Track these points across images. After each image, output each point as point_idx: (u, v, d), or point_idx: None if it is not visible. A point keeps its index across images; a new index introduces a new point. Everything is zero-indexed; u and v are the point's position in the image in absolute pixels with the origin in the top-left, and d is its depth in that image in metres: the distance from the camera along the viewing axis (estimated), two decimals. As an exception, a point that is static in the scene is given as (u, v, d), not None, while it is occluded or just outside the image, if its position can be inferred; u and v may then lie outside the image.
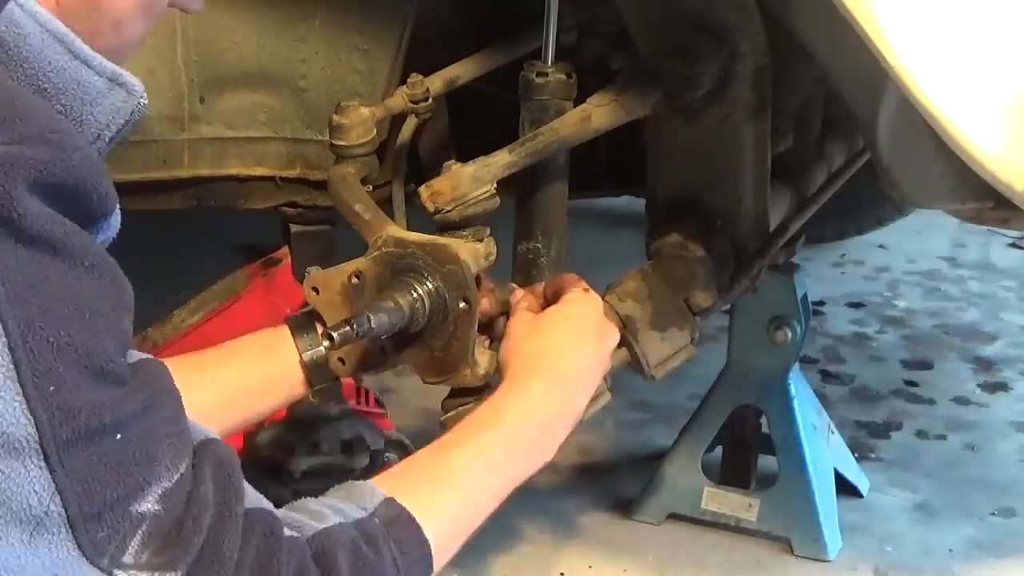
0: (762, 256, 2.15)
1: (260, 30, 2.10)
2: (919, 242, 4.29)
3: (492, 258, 1.66)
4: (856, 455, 2.82)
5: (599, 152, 2.48)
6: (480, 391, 1.66)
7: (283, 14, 2.08)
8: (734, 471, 2.62)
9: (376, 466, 2.49)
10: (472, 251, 1.61)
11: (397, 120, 2.01)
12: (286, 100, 2.16)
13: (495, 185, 1.69)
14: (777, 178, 2.16)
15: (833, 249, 4.14)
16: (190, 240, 3.71)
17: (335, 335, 1.46)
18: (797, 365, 2.57)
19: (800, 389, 2.56)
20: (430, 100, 1.98)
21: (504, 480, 1.39)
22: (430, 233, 1.64)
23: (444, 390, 1.71)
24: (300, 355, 1.61)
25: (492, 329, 1.68)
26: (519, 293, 1.69)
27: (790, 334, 2.50)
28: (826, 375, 3.31)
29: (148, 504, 1.02)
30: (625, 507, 2.65)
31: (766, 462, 2.60)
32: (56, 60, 1.04)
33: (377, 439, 2.47)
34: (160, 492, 1.02)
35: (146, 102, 1.11)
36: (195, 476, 1.06)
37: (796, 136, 2.26)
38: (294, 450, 2.38)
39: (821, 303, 3.74)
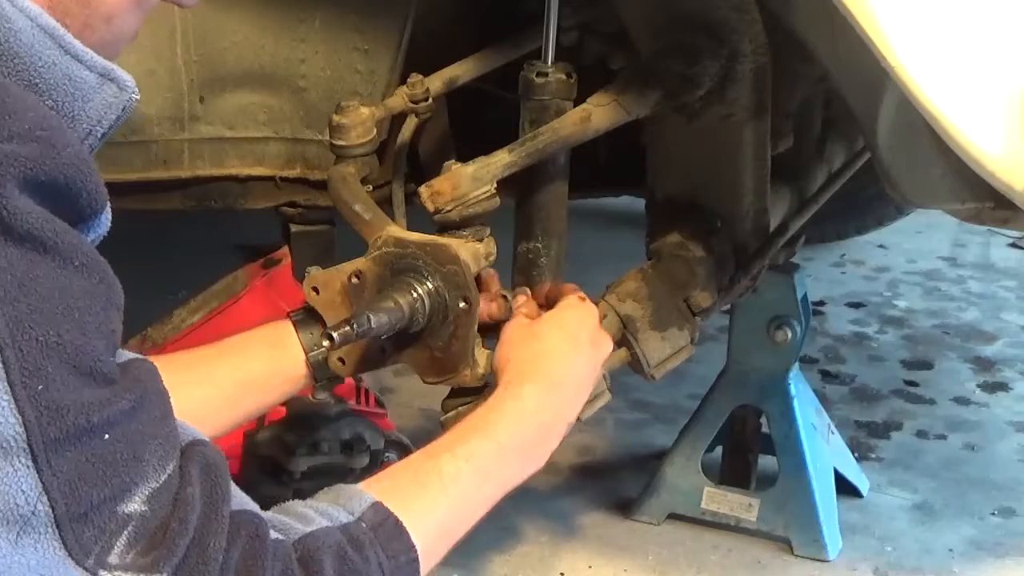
0: (762, 256, 2.15)
1: (260, 30, 2.10)
2: (919, 242, 4.29)
3: (492, 258, 1.66)
4: (856, 455, 2.82)
5: (599, 152, 2.48)
6: (480, 391, 1.67)
7: (283, 14, 2.08)
8: (734, 471, 2.62)
9: (376, 466, 2.49)
10: (472, 251, 1.61)
11: (397, 120, 2.01)
12: (286, 100, 2.16)
13: (495, 185, 1.69)
14: (777, 178, 2.16)
15: (833, 249, 4.14)
16: (190, 240, 3.70)
17: (335, 335, 1.46)
18: (797, 365, 2.57)
19: (800, 389, 2.56)
20: (430, 100, 1.98)
21: (494, 487, 1.39)
22: (430, 233, 1.64)
23: (444, 390, 1.71)
24: (304, 350, 1.61)
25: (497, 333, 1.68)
26: (521, 299, 1.70)
27: (790, 334, 2.50)
28: (826, 375, 3.31)
29: (134, 505, 1.02)
30: (625, 507, 2.65)
31: (766, 462, 2.60)
32: (47, 55, 1.04)
33: (377, 439, 2.47)
34: (147, 493, 1.02)
35: (138, 97, 1.11)
36: (182, 477, 1.06)
37: (796, 136, 2.26)
38: (294, 450, 2.38)
39: (821, 303, 3.74)
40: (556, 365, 1.53)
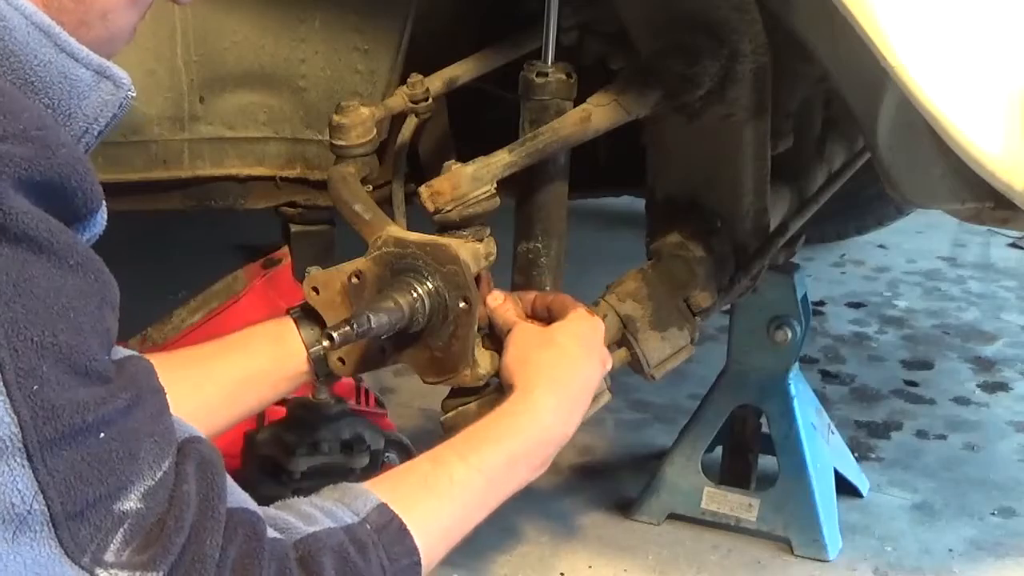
0: (762, 256, 2.15)
1: (260, 30, 2.10)
2: (919, 242, 4.29)
3: (492, 258, 1.66)
4: (856, 455, 2.82)
5: (599, 152, 2.48)
6: (480, 391, 1.67)
7: (283, 14, 2.08)
8: (734, 471, 2.62)
9: (376, 466, 2.49)
10: (472, 251, 1.61)
11: (397, 120, 2.01)
12: (286, 100, 2.16)
13: (495, 185, 1.68)
14: (777, 178, 2.16)
15: (833, 249, 4.14)
16: (190, 240, 3.71)
17: (335, 335, 1.46)
18: (797, 365, 2.57)
19: (800, 389, 2.56)
20: (430, 100, 1.98)
21: (500, 495, 1.40)
22: (430, 233, 1.64)
23: (444, 390, 1.71)
24: (306, 346, 1.61)
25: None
26: (499, 296, 1.68)
27: (790, 334, 2.50)
28: (826, 375, 3.31)
29: (130, 502, 1.02)
30: (625, 507, 2.65)
31: (766, 462, 2.60)
32: (42, 53, 1.04)
33: (377, 439, 2.47)
34: (142, 490, 1.02)
35: (134, 94, 1.10)
36: (178, 475, 1.06)
37: (796, 136, 2.26)
38: (294, 450, 2.38)
39: (821, 303, 3.75)
40: (573, 376, 1.53)
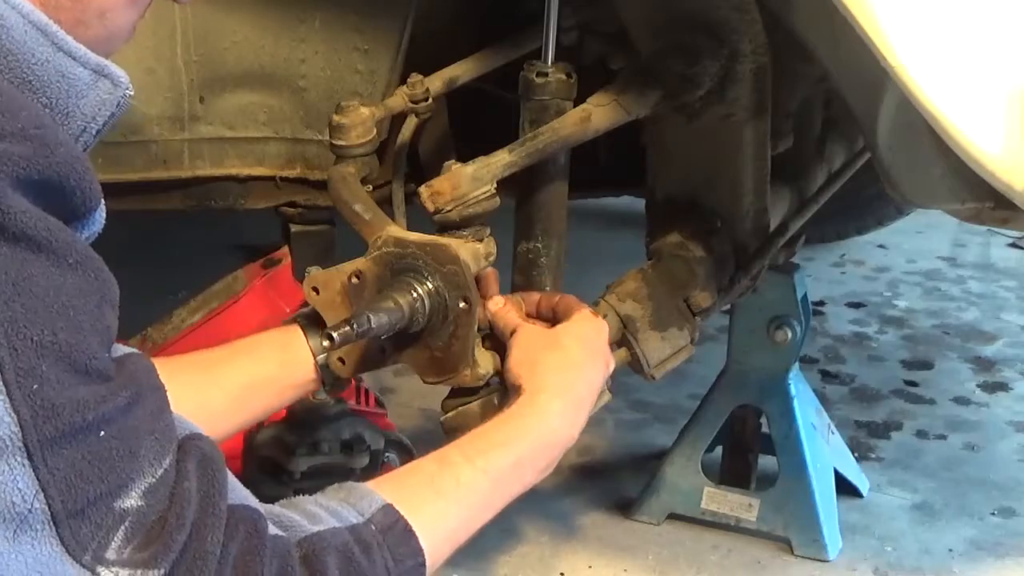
0: (762, 256, 2.15)
1: (260, 30, 2.10)
2: (919, 242, 4.29)
3: (492, 258, 1.66)
4: (856, 455, 2.82)
5: (599, 152, 2.48)
6: (480, 391, 1.66)
7: (283, 14, 2.08)
8: (734, 471, 2.62)
9: (376, 466, 2.49)
10: (472, 251, 1.61)
11: (397, 120, 2.01)
12: (286, 100, 2.16)
13: (495, 185, 1.68)
14: (777, 178, 2.16)
15: (833, 249, 4.15)
16: (190, 240, 3.71)
17: (335, 335, 1.46)
18: (797, 365, 2.57)
19: (800, 389, 2.56)
20: (430, 100, 1.98)
21: (505, 498, 1.40)
22: (430, 233, 1.64)
23: (444, 390, 1.71)
24: (313, 354, 1.61)
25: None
26: (499, 300, 1.67)
27: (790, 334, 2.50)
28: (826, 375, 3.31)
29: (131, 500, 1.02)
30: (625, 507, 2.65)
31: (766, 462, 2.60)
32: (40, 52, 1.03)
33: (377, 439, 2.47)
34: (143, 488, 1.03)
35: (132, 93, 1.10)
36: (179, 472, 1.07)
37: (796, 136, 2.26)
38: (294, 450, 2.38)
39: (821, 303, 3.75)
40: (578, 379, 1.53)
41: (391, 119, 1.99)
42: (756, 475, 2.62)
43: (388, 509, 1.23)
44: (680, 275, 2.04)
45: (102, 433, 1.00)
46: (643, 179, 2.18)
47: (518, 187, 1.87)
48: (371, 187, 1.87)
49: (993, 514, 2.69)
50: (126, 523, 1.01)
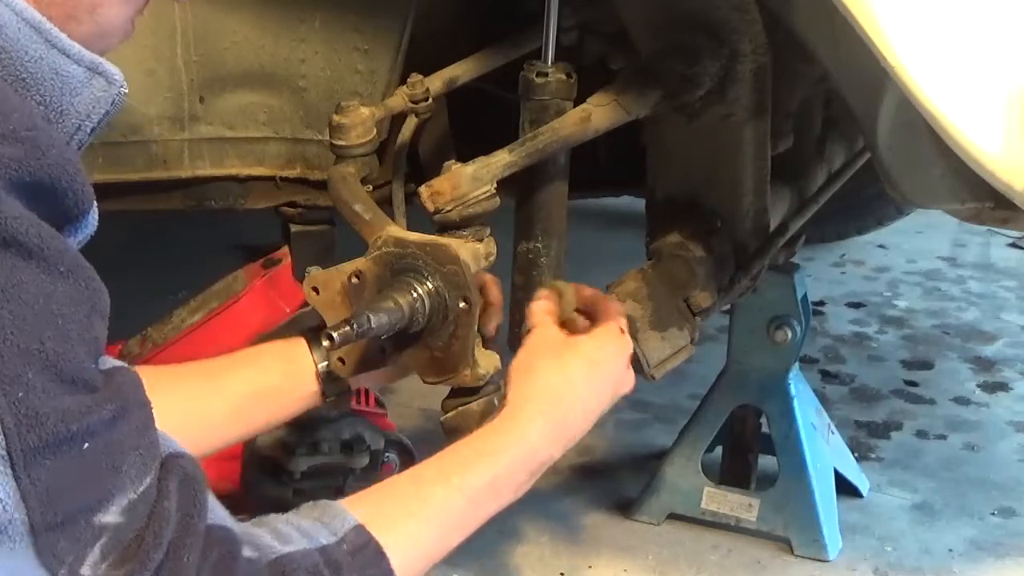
0: (762, 256, 2.15)
1: (260, 30, 2.10)
2: (919, 242, 4.29)
3: (492, 258, 1.66)
4: (856, 455, 2.82)
5: (599, 152, 2.48)
6: (480, 391, 1.66)
7: (283, 14, 2.08)
8: (734, 471, 2.62)
9: (376, 466, 2.49)
10: (472, 251, 1.61)
11: (397, 120, 2.01)
12: (286, 100, 2.16)
13: (495, 185, 1.68)
14: (777, 178, 2.16)
15: (833, 249, 4.15)
16: (190, 240, 3.71)
17: (335, 335, 1.46)
18: (797, 365, 2.57)
19: (800, 389, 2.56)
20: (430, 100, 1.98)
21: (481, 516, 1.37)
22: (430, 233, 1.64)
23: (444, 390, 1.71)
24: (316, 366, 1.61)
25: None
26: (543, 293, 1.62)
27: (790, 334, 2.50)
28: (826, 375, 3.31)
29: (110, 515, 1.01)
30: (625, 507, 2.65)
31: (766, 462, 2.60)
32: (33, 50, 1.03)
33: (377, 439, 2.47)
34: (123, 504, 1.01)
35: (126, 91, 1.09)
36: (160, 490, 1.05)
37: (796, 136, 2.26)
38: (294, 450, 2.38)
39: (821, 303, 3.75)
40: (571, 399, 1.48)
41: (391, 119, 1.99)
42: (756, 475, 2.62)
43: (360, 530, 1.22)
44: (680, 275, 2.05)
45: (86, 445, 0.99)
46: (643, 179, 2.18)
47: (518, 187, 1.87)
48: (371, 187, 1.87)
49: (993, 514, 2.69)
50: (104, 539, 1.00)
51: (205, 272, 2.81)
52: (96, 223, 1.07)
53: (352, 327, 1.46)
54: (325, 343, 1.51)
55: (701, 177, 2.09)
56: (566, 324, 1.60)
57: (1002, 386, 3.28)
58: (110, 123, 1.11)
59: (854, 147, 2.46)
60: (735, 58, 1.90)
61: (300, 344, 1.63)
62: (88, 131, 1.08)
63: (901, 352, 3.48)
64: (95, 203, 1.06)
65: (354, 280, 1.60)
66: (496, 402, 1.63)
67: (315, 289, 1.63)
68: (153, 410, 1.09)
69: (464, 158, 1.70)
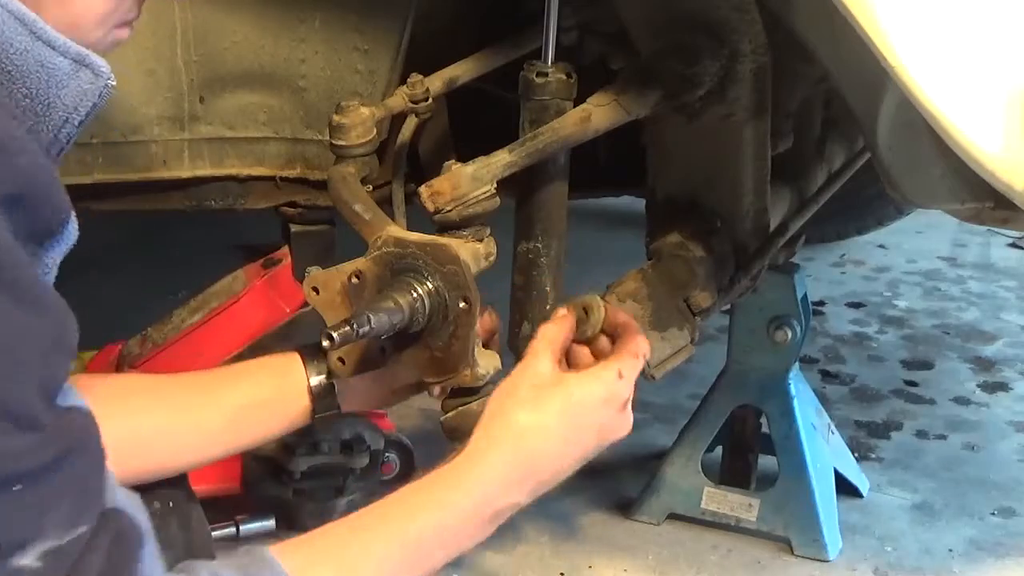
0: (762, 256, 2.15)
1: (260, 30, 2.10)
2: (919, 242, 4.30)
3: (492, 258, 1.66)
4: (856, 455, 2.82)
5: (599, 152, 2.48)
6: (479, 391, 1.66)
7: (283, 14, 2.08)
8: (734, 471, 2.62)
9: (376, 466, 2.49)
10: (472, 251, 1.61)
11: (397, 120, 2.01)
12: (286, 100, 2.16)
13: (495, 185, 1.68)
14: (777, 178, 2.16)
15: (833, 249, 4.15)
16: (190, 240, 3.70)
17: (335, 335, 1.45)
18: (797, 365, 2.57)
19: (800, 389, 2.56)
20: (430, 100, 1.98)
21: (425, 569, 1.29)
22: (430, 233, 1.64)
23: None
24: (308, 382, 1.60)
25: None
26: (560, 312, 1.55)
27: (790, 334, 2.50)
28: (826, 375, 3.31)
29: (27, 559, 0.97)
30: (625, 507, 2.65)
31: (766, 462, 2.60)
32: (18, 42, 1.01)
33: (377, 439, 2.47)
34: (44, 549, 0.98)
35: (114, 83, 1.07)
36: (89, 543, 1.02)
37: (796, 136, 2.26)
38: (294, 450, 2.38)
39: (821, 303, 3.75)
40: (542, 451, 1.39)
41: (391, 119, 1.99)
42: (756, 475, 2.62)
43: None
44: (680, 275, 2.05)
45: (16, 488, 0.96)
46: (643, 179, 2.18)
47: (518, 187, 1.87)
48: (371, 187, 1.87)
49: (993, 514, 2.69)
50: None
51: (205, 272, 2.80)
52: (76, 233, 1.05)
53: (352, 327, 1.46)
54: (325, 343, 1.51)
55: (701, 177, 2.09)
56: (589, 343, 1.56)
57: (1002, 386, 3.28)
58: (100, 117, 1.09)
59: (854, 147, 2.47)
60: (735, 58, 1.90)
61: (294, 359, 1.62)
62: (76, 124, 1.06)
63: (901, 352, 3.48)
64: (73, 213, 1.04)
65: (354, 280, 1.60)
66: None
67: (315, 289, 1.63)
68: (105, 458, 1.05)
69: (464, 158, 1.70)
